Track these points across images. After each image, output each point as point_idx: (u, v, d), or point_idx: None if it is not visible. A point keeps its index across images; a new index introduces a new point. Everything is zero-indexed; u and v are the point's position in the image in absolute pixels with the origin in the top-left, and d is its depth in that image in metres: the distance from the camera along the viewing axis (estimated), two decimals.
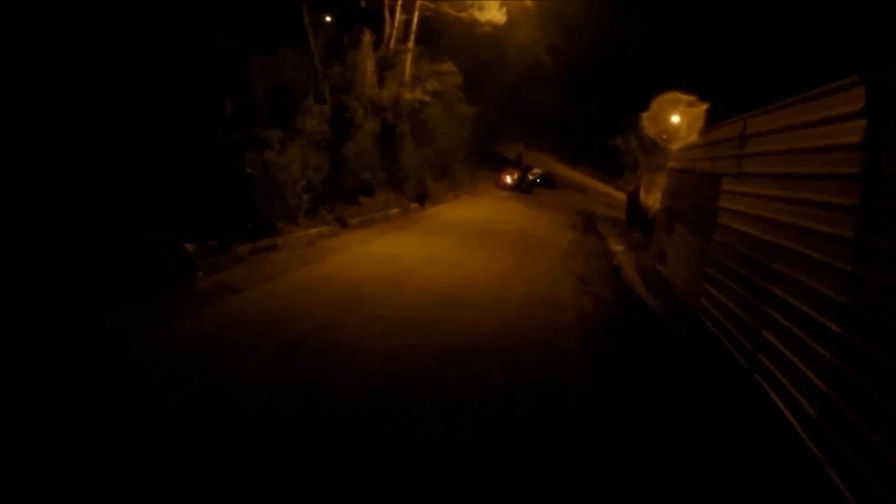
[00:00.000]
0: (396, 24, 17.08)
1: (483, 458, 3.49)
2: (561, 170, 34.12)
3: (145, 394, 3.77)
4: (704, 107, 25.36)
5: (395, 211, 13.66)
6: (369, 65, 15.50)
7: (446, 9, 18.74)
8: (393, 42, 17.13)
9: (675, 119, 27.33)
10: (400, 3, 16.87)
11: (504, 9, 19.27)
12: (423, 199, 16.08)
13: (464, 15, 19.10)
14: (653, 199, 16.22)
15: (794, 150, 4.83)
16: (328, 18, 15.84)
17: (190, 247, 7.81)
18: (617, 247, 13.49)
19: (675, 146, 10.31)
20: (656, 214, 13.72)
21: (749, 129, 5.87)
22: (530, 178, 26.42)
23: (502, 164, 27.80)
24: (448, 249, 10.23)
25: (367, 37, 15.31)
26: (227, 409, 3.69)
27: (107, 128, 8.32)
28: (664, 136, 25.10)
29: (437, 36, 20.67)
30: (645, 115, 18.80)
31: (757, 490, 3.70)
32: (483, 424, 3.93)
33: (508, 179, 25.69)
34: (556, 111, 35.65)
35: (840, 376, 3.48)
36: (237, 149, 9.72)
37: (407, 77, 17.22)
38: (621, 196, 29.81)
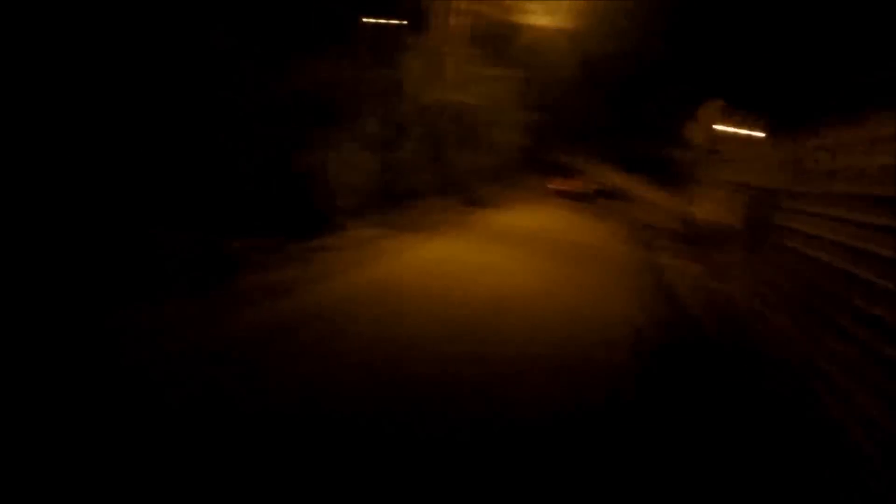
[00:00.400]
0: (450, 27, 17.10)
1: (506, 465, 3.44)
2: (617, 179, 33.47)
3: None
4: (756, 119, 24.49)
5: (444, 215, 13.67)
6: (419, 67, 15.54)
7: (500, 14, 18.69)
8: (445, 45, 17.15)
9: (721, 128, 26.54)
10: (451, 6, 16.88)
11: (559, 16, 19.13)
12: (473, 203, 16.06)
13: (519, 19, 18.99)
14: (706, 212, 15.76)
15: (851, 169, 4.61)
16: (379, 20, 15.98)
17: (240, 244, 7.91)
18: (673, 261, 13.14)
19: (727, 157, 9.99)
20: (716, 229, 13.31)
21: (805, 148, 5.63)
22: (585, 186, 26.06)
23: (557, 172, 27.49)
24: (499, 257, 10.23)
25: (418, 39, 15.37)
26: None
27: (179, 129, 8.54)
28: (712, 146, 24.34)
29: (494, 42, 20.63)
30: (693, 125, 18.32)
31: None
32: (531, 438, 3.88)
33: (563, 187, 25.39)
34: (613, 120, 35.04)
35: None
36: (295, 148, 9.86)
37: (458, 80, 17.22)
38: (678, 207, 29.08)
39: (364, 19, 15.05)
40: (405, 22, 15.94)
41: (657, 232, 19.53)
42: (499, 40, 21.35)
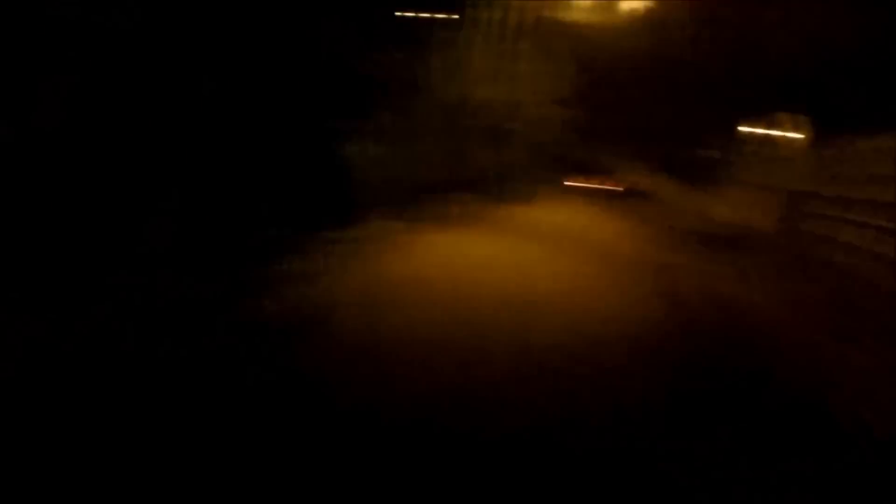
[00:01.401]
0: (486, 20, 16.77)
1: None
2: (653, 180, 32.76)
3: None
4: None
5: (470, 209, 13.47)
6: (451, 61, 15.29)
7: (543, 10, 18.27)
8: (480, 39, 16.84)
9: (758, 130, 25.81)
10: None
11: (604, 13, 18.65)
12: (501, 199, 15.76)
13: (562, 15, 18.58)
14: (738, 214, 15.24)
15: None
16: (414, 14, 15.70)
17: (277, 232, 7.94)
18: (695, 263, 12.67)
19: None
20: (743, 232, 12.87)
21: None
22: (620, 186, 25.50)
23: (591, 170, 26.96)
24: (523, 255, 10.08)
25: (453, 33, 15.11)
26: None
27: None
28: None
29: (534, 35, 20.22)
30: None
31: None
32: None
33: (598, 186, 24.88)
34: (651, 120, 34.27)
35: None
36: (333, 140, 9.78)
37: (490, 75, 16.91)
38: (713, 210, 28.30)
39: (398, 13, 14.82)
40: (446, 15, 15.68)
41: (684, 234, 18.97)
42: (540, 35, 20.94)
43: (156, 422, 3.24)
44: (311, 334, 4.77)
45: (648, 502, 3.40)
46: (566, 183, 25.83)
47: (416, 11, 15.42)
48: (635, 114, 35.03)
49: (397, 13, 14.39)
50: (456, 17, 15.45)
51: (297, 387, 3.90)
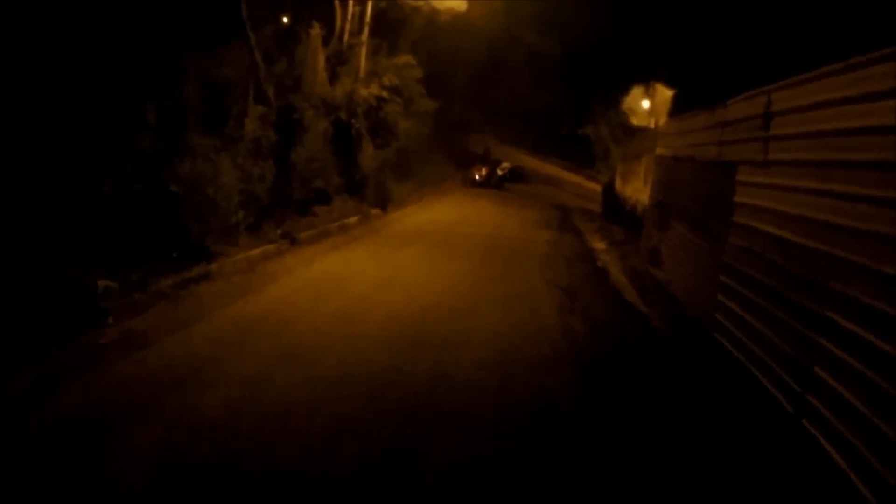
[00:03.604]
0: (349, 15, 15.76)
1: None
2: (531, 162, 33.15)
3: None
4: (671, 92, 24.64)
5: (353, 219, 12.41)
6: (320, 60, 14.21)
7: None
8: (346, 35, 15.82)
9: (646, 104, 26.63)
10: None
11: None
12: (385, 203, 14.86)
13: (421, 3, 17.84)
14: (631, 190, 15.24)
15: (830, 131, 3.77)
16: (276, 13, 14.45)
17: (102, 284, 6.60)
18: (598, 244, 12.44)
19: (661, 130, 9.18)
20: (645, 209, 12.72)
21: (776, 106, 4.73)
22: (500, 172, 25.30)
23: (471, 160, 26.64)
24: (409, 265, 8.99)
25: (317, 30, 13.98)
26: None
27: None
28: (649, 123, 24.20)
29: (395, 28, 19.41)
30: (624, 101, 17.96)
31: None
32: None
33: (476, 176, 24.55)
34: (522, 103, 34.72)
35: None
36: (162, 161, 8.45)
37: (362, 73, 15.95)
38: (594, 187, 28.91)
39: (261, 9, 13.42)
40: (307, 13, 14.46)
41: (579, 213, 19.02)
42: (409, 28, 20.16)
43: None
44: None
45: None
46: (458, 175, 25.52)
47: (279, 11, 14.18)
48: (508, 100, 35.35)
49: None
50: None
51: None
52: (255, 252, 8.41)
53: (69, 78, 8.08)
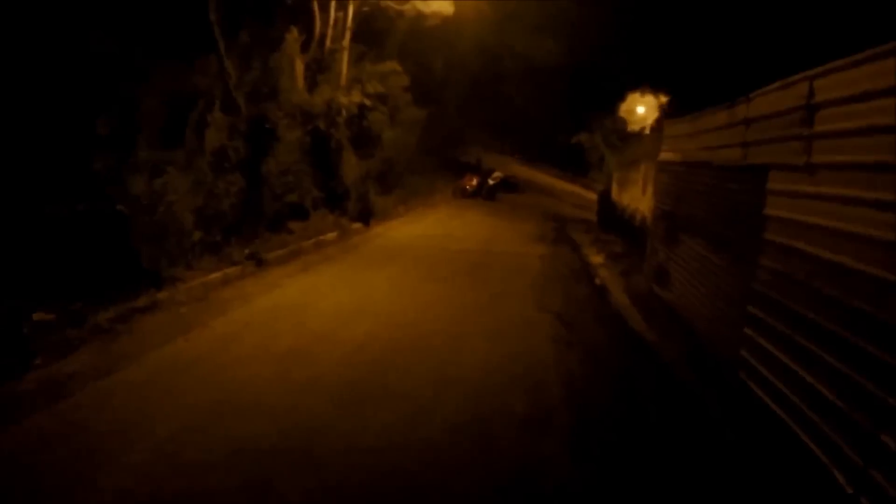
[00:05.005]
0: (331, 20, 14.91)
1: None
2: (524, 172, 32.38)
3: None
4: (664, 98, 23.96)
5: (331, 235, 11.55)
6: (298, 67, 13.40)
7: (387, 1, 16.58)
8: (329, 41, 14.98)
9: (641, 110, 25.94)
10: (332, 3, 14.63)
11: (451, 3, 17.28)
12: (367, 217, 13.99)
13: (406, 7, 17.01)
14: (628, 198, 14.44)
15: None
16: (254, 18, 13.61)
17: (38, 317, 5.82)
18: (596, 258, 11.58)
19: (666, 133, 8.30)
20: (642, 217, 11.87)
21: (822, 96, 3.81)
22: (491, 182, 24.45)
23: (462, 171, 25.81)
24: (383, 289, 8.06)
25: (294, 35, 13.15)
26: None
27: None
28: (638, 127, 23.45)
29: (381, 36, 18.60)
30: (620, 107, 17.29)
31: None
32: None
33: (467, 186, 23.70)
34: (515, 113, 34.08)
35: None
36: (113, 179, 7.59)
37: (344, 80, 15.14)
38: (588, 195, 28.15)
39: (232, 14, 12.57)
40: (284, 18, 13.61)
41: (574, 223, 18.19)
42: (396, 35, 19.34)
43: None
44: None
45: None
46: (446, 186, 24.65)
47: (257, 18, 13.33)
48: (500, 110, 34.71)
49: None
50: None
51: None
52: (215, 276, 7.54)
53: (13, 96, 7.32)
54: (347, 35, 15.43)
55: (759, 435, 4.10)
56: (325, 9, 14.72)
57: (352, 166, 14.27)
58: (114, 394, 4.29)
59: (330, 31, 15.02)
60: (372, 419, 4.12)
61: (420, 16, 17.99)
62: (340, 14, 15.39)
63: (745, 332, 4.46)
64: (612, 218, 15.98)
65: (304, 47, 13.90)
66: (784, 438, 3.81)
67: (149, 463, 3.38)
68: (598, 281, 9.38)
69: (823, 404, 3.41)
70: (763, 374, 4.19)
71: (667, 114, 12.95)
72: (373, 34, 17.57)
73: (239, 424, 3.91)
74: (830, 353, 3.39)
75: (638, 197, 12.99)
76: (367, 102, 15.51)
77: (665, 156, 8.13)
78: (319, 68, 14.84)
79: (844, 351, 3.25)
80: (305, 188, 12.08)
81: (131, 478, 3.26)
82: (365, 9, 16.17)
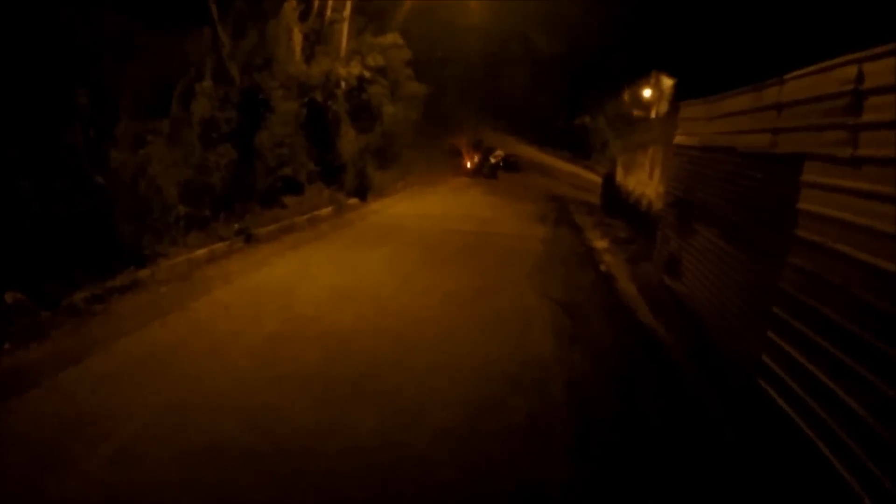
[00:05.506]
0: None
1: None
2: (526, 151, 31.88)
3: None
4: (671, 81, 23.36)
5: (326, 210, 11.17)
6: (295, 37, 12.88)
7: None
8: (328, 11, 14.41)
9: (647, 93, 25.35)
10: None
11: None
12: (364, 192, 13.62)
13: None
14: (634, 182, 14.03)
15: None
16: None
17: (10, 297, 5.50)
18: (600, 242, 11.20)
19: (682, 115, 7.83)
20: (650, 201, 11.48)
21: (872, 81, 3.33)
22: (492, 160, 24.01)
23: (462, 149, 25.33)
24: (375, 271, 7.65)
25: (292, 3, 12.60)
26: None
27: None
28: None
29: (383, 14, 17.95)
30: (627, 91, 16.80)
31: None
32: None
33: (468, 164, 23.28)
34: (519, 95, 33.47)
35: None
36: (94, 153, 7.16)
37: (343, 51, 14.62)
38: (591, 177, 27.68)
39: None
40: None
41: (576, 204, 17.80)
42: (400, 12, 18.72)
43: None
44: None
45: None
46: (446, 164, 24.18)
47: None
48: (504, 93, 34.06)
49: None
50: None
51: None
52: (201, 253, 7.19)
53: None
54: (348, 5, 14.87)
55: (780, 453, 3.76)
56: None
57: (350, 140, 13.85)
58: (78, 387, 3.96)
59: (330, 1, 14.47)
60: (355, 423, 3.75)
61: None
62: None
63: (767, 335, 4.09)
64: (616, 201, 15.58)
65: (303, 17, 13.38)
66: (805, 451, 3.48)
67: (106, 470, 3.05)
68: (603, 267, 9.01)
69: (853, 421, 3.07)
70: (783, 381, 3.83)
71: (678, 96, 12.52)
72: (376, 12, 16.96)
73: (209, 426, 3.58)
74: (865, 366, 3.04)
75: (644, 181, 12.59)
76: (367, 75, 15.03)
77: (680, 139, 7.68)
78: (318, 39, 14.30)
79: (885, 367, 2.89)
80: (300, 161, 11.67)
81: (85, 486, 2.93)
82: None
